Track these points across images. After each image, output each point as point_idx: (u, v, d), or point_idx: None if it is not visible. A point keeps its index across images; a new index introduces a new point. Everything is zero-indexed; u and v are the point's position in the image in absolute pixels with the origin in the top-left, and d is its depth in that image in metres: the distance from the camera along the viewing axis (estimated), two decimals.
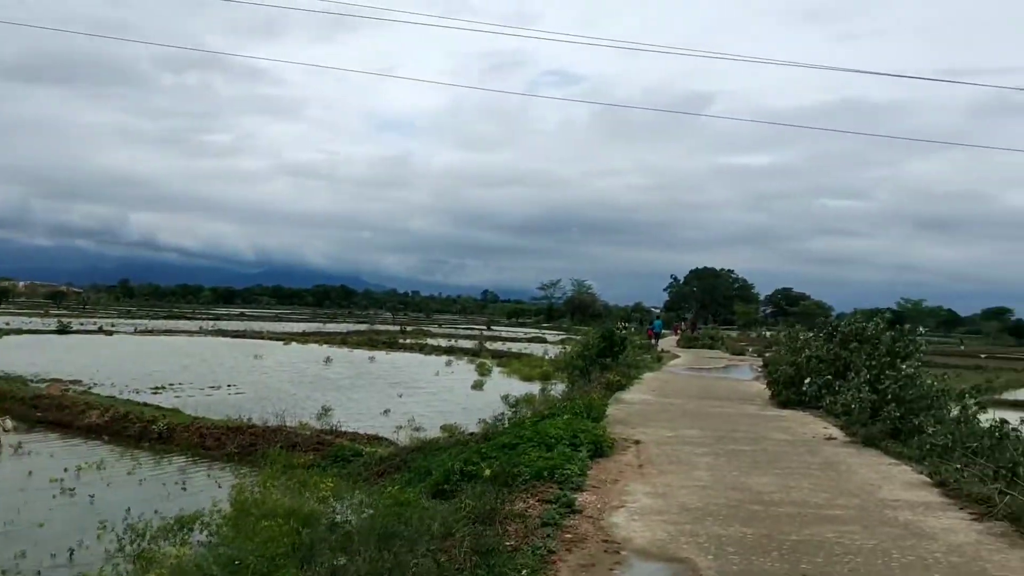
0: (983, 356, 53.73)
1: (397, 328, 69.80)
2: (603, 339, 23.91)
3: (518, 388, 25.74)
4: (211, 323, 67.07)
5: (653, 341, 43.30)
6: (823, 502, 7.64)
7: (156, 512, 10.56)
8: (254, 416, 17.33)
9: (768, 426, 13.29)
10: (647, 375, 23.86)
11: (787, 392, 16.40)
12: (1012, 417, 12.50)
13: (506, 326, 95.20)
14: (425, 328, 74.04)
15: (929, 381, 13.89)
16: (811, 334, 18.03)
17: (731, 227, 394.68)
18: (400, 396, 24.77)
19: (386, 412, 20.50)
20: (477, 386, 28.15)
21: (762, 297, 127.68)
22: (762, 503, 7.53)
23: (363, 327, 71.64)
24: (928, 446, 9.46)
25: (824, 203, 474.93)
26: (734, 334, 68.78)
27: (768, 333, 60.29)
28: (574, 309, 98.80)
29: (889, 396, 13.48)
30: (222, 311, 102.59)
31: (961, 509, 7.29)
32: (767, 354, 27.53)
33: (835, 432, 12.54)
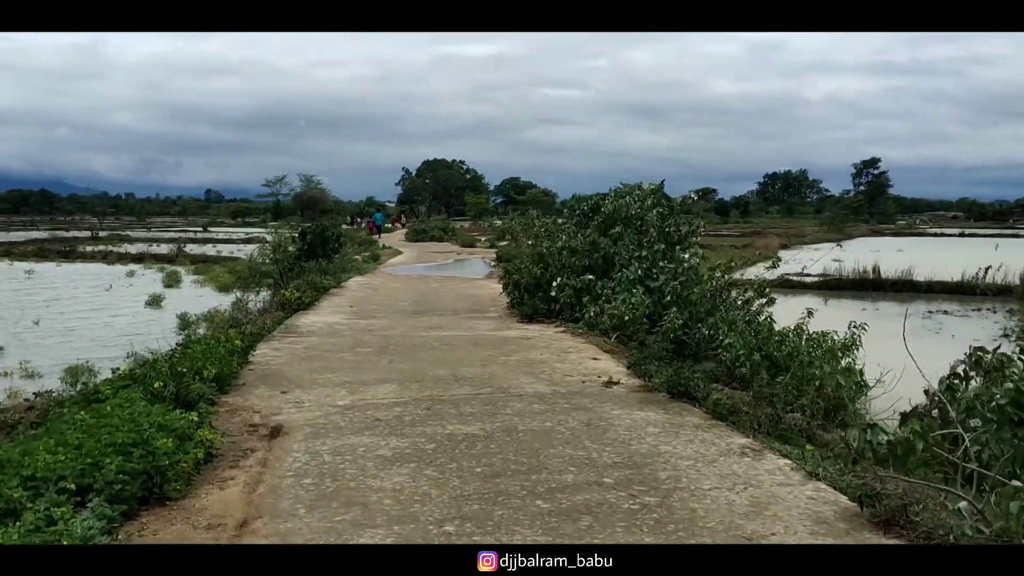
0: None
1: (88, 234, 58.32)
2: (304, 237, 18.76)
3: (211, 301, 19.38)
4: None
5: (376, 235, 40.95)
6: None
7: None
8: None
9: (511, 361, 8.48)
10: (355, 280, 18.75)
11: (532, 300, 11.88)
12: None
13: (230, 227, 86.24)
14: (126, 233, 63.24)
15: (718, 274, 10.31)
16: (561, 220, 13.69)
17: (458, 119, 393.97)
18: (37, 323, 17.57)
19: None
20: (154, 303, 21.39)
21: (492, 187, 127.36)
22: None
23: (45, 234, 60.02)
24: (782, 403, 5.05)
25: (545, 93, 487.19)
26: (466, 225, 67.56)
27: (499, 222, 58.63)
28: (303, 206, 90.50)
29: (669, 297, 9.84)
30: None
31: None
32: (501, 244, 23.50)
33: (611, 366, 8.13)
